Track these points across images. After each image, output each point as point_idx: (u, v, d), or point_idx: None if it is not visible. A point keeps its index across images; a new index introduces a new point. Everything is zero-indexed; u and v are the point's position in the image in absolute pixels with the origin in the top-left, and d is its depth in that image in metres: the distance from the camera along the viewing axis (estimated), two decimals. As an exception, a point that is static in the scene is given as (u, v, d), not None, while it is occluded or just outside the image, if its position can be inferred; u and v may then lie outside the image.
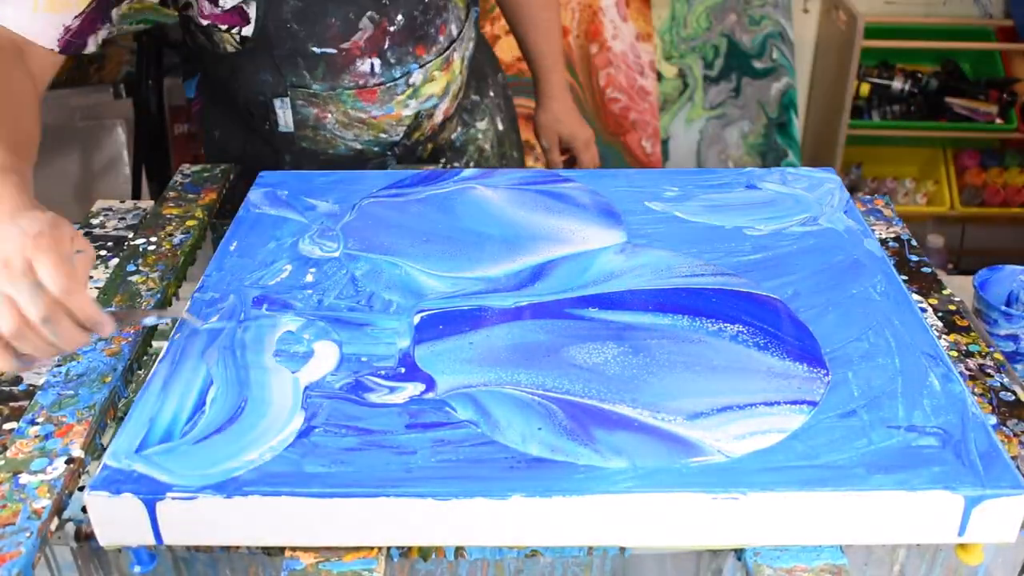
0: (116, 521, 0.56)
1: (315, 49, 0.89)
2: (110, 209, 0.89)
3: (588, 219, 0.81)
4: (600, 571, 0.62)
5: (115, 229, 0.86)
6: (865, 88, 2.25)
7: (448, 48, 0.96)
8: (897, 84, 2.26)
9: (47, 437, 0.61)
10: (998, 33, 2.26)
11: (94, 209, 0.89)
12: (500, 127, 1.13)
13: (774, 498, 0.54)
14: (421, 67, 0.94)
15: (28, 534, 0.54)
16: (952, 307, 0.76)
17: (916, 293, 0.77)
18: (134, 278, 0.78)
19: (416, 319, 0.68)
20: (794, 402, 0.60)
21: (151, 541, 0.56)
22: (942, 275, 0.81)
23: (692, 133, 2.24)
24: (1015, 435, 0.63)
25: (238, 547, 0.58)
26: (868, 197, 0.92)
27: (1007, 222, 2.31)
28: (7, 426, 0.62)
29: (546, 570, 0.61)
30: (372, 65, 0.91)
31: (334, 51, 0.89)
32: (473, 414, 0.59)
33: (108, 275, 0.79)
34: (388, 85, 0.93)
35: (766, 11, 2.23)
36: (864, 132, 2.23)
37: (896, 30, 2.23)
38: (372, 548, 0.56)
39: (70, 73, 2.06)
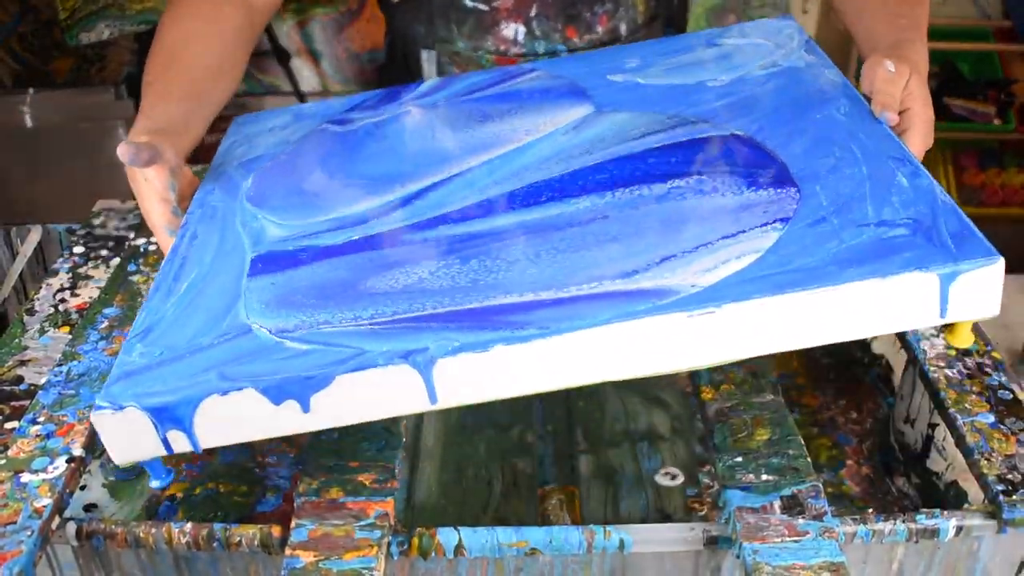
0: (125, 438, 0.56)
1: (467, 2, 0.89)
2: (111, 209, 0.89)
3: (541, 107, 0.79)
4: (599, 569, 0.62)
5: (116, 229, 0.86)
6: (864, 89, 2.25)
7: (608, 45, 0.94)
8: (896, 85, 2.26)
9: (48, 436, 0.61)
10: (996, 34, 2.26)
11: (95, 209, 0.89)
12: None
13: (749, 306, 0.54)
14: (570, 51, 0.92)
15: (29, 533, 0.54)
16: (950, 306, 0.76)
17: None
18: (135, 278, 0.78)
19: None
20: (764, 224, 0.60)
21: (162, 452, 0.57)
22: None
23: (691, 133, 2.24)
24: (1013, 433, 0.64)
25: (239, 545, 0.58)
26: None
27: (1006, 222, 2.31)
28: (8, 425, 0.63)
29: (545, 568, 0.61)
30: (516, 31, 0.91)
31: (485, 7, 0.89)
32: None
33: (109, 275, 0.79)
34: (529, 59, 0.92)
35: (766, 11, 2.24)
36: (863, 132, 2.23)
37: (895, 31, 2.23)
38: (372, 546, 0.56)
39: (71, 73, 2.06)
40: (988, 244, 0.55)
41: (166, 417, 0.56)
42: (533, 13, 0.90)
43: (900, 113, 0.70)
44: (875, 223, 0.58)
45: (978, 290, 0.55)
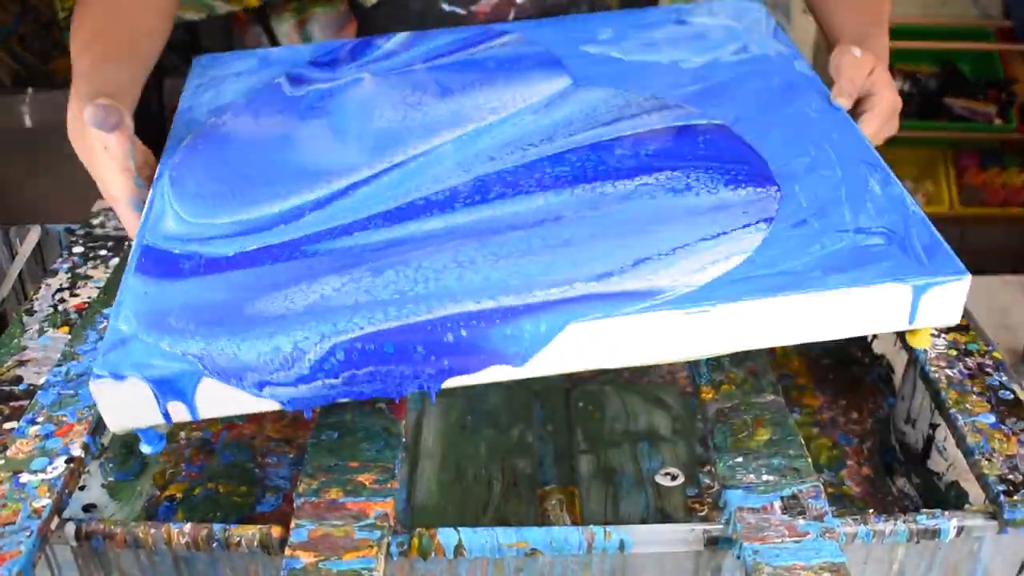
0: (124, 407, 0.56)
1: (444, 6, 0.89)
2: (110, 209, 0.89)
3: (511, 79, 0.77)
4: (599, 569, 0.62)
5: (115, 229, 0.86)
6: (864, 88, 2.25)
7: None
8: (896, 84, 2.26)
9: (47, 437, 0.61)
10: (997, 34, 2.26)
11: (94, 209, 0.89)
12: None
13: (742, 307, 0.57)
14: None
15: (28, 533, 0.54)
16: (951, 306, 0.76)
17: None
18: (134, 278, 0.78)
19: None
20: (747, 225, 0.61)
21: (160, 421, 0.57)
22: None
23: (692, 133, 2.23)
24: (1014, 433, 0.64)
25: (239, 545, 0.58)
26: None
27: (1007, 222, 2.31)
28: (7, 425, 0.62)
29: (545, 569, 0.61)
30: None
31: (463, 11, 0.89)
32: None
33: (108, 275, 0.79)
34: None
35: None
36: (863, 132, 2.23)
37: (895, 30, 2.22)
38: (372, 547, 0.56)
39: (70, 73, 2.06)
40: (957, 260, 0.59)
41: (168, 389, 0.56)
42: (511, 18, 0.89)
43: (866, 98, 0.74)
44: (853, 230, 0.61)
45: (945, 302, 0.59)
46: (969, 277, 0.58)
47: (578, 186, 0.65)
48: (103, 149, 0.66)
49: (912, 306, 0.59)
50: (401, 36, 0.84)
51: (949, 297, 0.59)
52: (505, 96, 0.74)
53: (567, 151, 0.68)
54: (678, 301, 0.56)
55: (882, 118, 0.74)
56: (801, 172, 0.66)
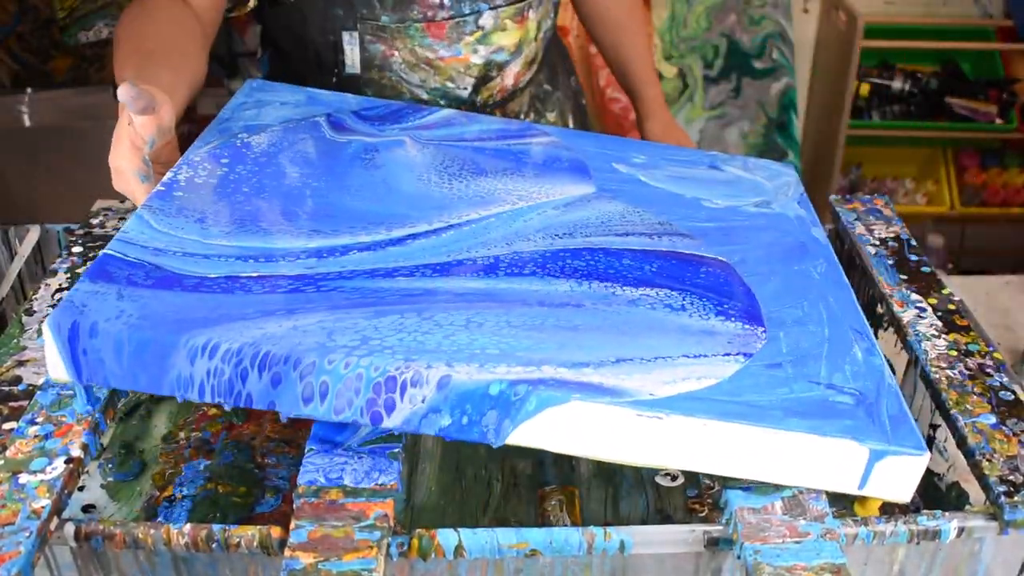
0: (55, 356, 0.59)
1: None
2: (110, 209, 0.89)
3: (541, 175, 0.80)
4: (600, 570, 0.62)
5: (115, 229, 0.86)
6: (865, 88, 2.25)
7: (523, 1, 0.95)
8: (897, 84, 2.26)
9: (47, 437, 0.61)
10: (998, 33, 2.27)
11: (94, 209, 0.89)
12: (570, 126, 1.12)
13: (694, 423, 0.57)
14: (492, 9, 0.93)
15: (27, 534, 0.54)
16: (952, 307, 0.76)
17: (916, 293, 0.77)
18: (134, 278, 0.78)
19: None
20: (728, 354, 0.62)
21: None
22: (942, 275, 0.81)
23: (692, 133, 2.24)
24: (1014, 434, 0.63)
25: (238, 546, 0.58)
26: (868, 197, 0.92)
27: (1007, 222, 2.31)
28: (6, 426, 0.62)
29: (545, 569, 0.61)
30: None
31: None
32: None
33: (108, 275, 0.78)
34: (457, 20, 0.92)
35: (766, 11, 2.24)
36: (864, 132, 2.23)
37: (896, 30, 2.23)
38: (372, 548, 0.56)
39: (70, 72, 2.06)
40: (919, 435, 0.59)
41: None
42: None
43: None
44: (825, 384, 0.62)
45: (899, 474, 0.59)
46: (927, 455, 0.58)
47: (593, 282, 0.67)
48: (128, 123, 0.68)
49: (866, 470, 0.58)
50: (445, 112, 0.88)
51: (904, 471, 0.59)
52: (531, 188, 0.78)
53: (583, 248, 0.71)
54: (634, 403, 0.57)
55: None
56: (789, 322, 0.67)
